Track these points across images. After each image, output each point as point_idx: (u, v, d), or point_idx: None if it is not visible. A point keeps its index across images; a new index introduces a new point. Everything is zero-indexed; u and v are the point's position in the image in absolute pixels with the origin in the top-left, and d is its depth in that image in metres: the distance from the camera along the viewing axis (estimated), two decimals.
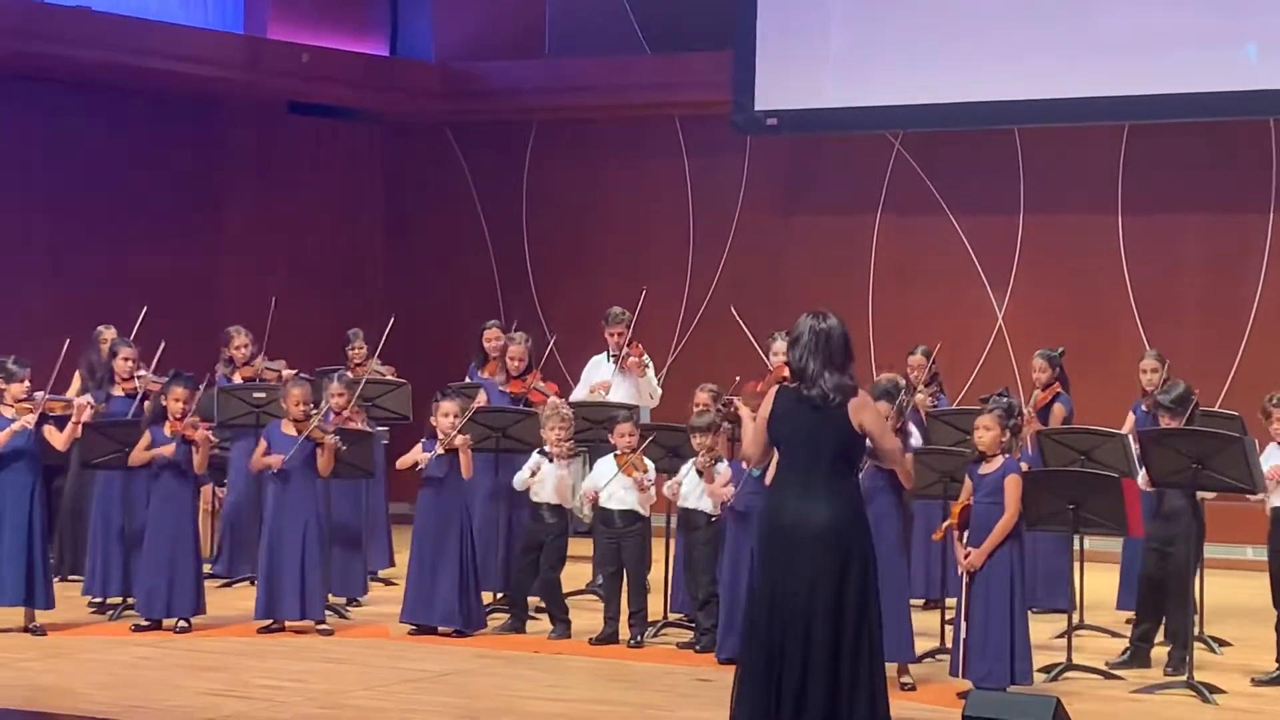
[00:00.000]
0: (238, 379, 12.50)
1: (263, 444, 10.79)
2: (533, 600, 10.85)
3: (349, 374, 12.43)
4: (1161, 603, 9.86)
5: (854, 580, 7.04)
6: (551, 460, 10.59)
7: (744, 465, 9.43)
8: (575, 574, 11.92)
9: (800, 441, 7.11)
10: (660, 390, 12.67)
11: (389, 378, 12.62)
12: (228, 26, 15.70)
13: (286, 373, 12.44)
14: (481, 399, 11.73)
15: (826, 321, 7.17)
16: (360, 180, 16.99)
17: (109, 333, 12.22)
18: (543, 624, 10.74)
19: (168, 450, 10.55)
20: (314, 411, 10.75)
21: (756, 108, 15.10)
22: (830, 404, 7.06)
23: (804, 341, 7.14)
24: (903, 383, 10.20)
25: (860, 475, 9.14)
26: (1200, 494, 9.48)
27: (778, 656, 7.02)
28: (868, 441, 7.21)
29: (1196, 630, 9.98)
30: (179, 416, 10.56)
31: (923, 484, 9.81)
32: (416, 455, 10.65)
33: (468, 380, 12.34)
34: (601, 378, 12.40)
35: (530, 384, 11.89)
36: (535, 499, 10.68)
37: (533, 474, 10.61)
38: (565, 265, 16.40)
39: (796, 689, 6.99)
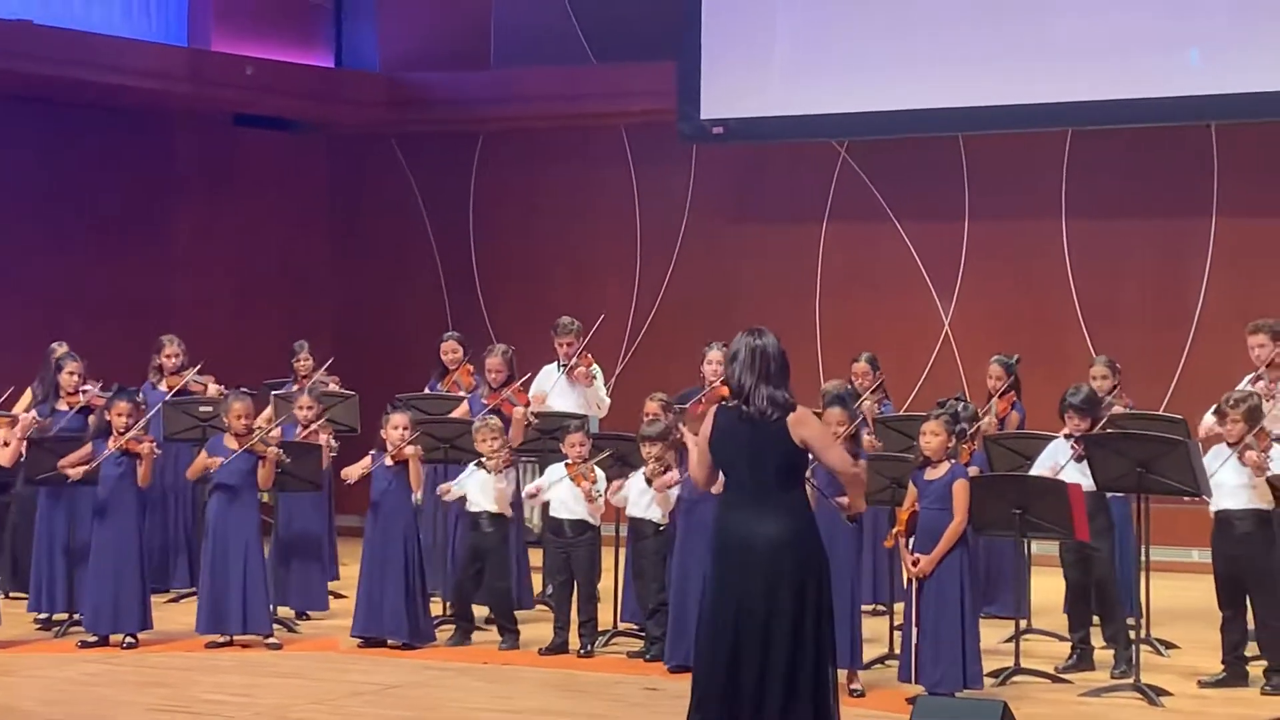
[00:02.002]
0: (163, 388, 12.39)
1: (202, 456, 10.72)
2: (480, 611, 10.82)
3: (295, 386, 12.40)
4: (1089, 606, 9.92)
5: (807, 590, 7.03)
6: (489, 471, 10.56)
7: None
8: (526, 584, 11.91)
9: (743, 459, 7.11)
10: (608, 400, 12.66)
11: (336, 389, 12.57)
12: (171, 39, 15.61)
13: (213, 387, 12.32)
14: (463, 411, 11.67)
15: (762, 338, 7.18)
16: (306, 191, 16.92)
17: (62, 348, 12.10)
18: (491, 635, 10.71)
19: (123, 441, 10.41)
20: (256, 426, 10.70)
21: (702, 116, 15.12)
22: (769, 420, 7.05)
23: (741, 359, 7.14)
24: (850, 386, 10.25)
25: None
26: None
27: (735, 670, 7.00)
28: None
29: (1143, 633, 10.04)
30: (122, 431, 10.49)
31: (871, 490, 9.82)
32: (364, 466, 10.62)
33: (426, 392, 12.30)
34: (542, 390, 12.33)
35: (504, 395, 11.81)
36: (472, 509, 10.65)
37: (458, 491, 10.59)
38: (512, 275, 16.37)
39: (754, 699, 6.98)
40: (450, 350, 12.41)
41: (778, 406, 7.07)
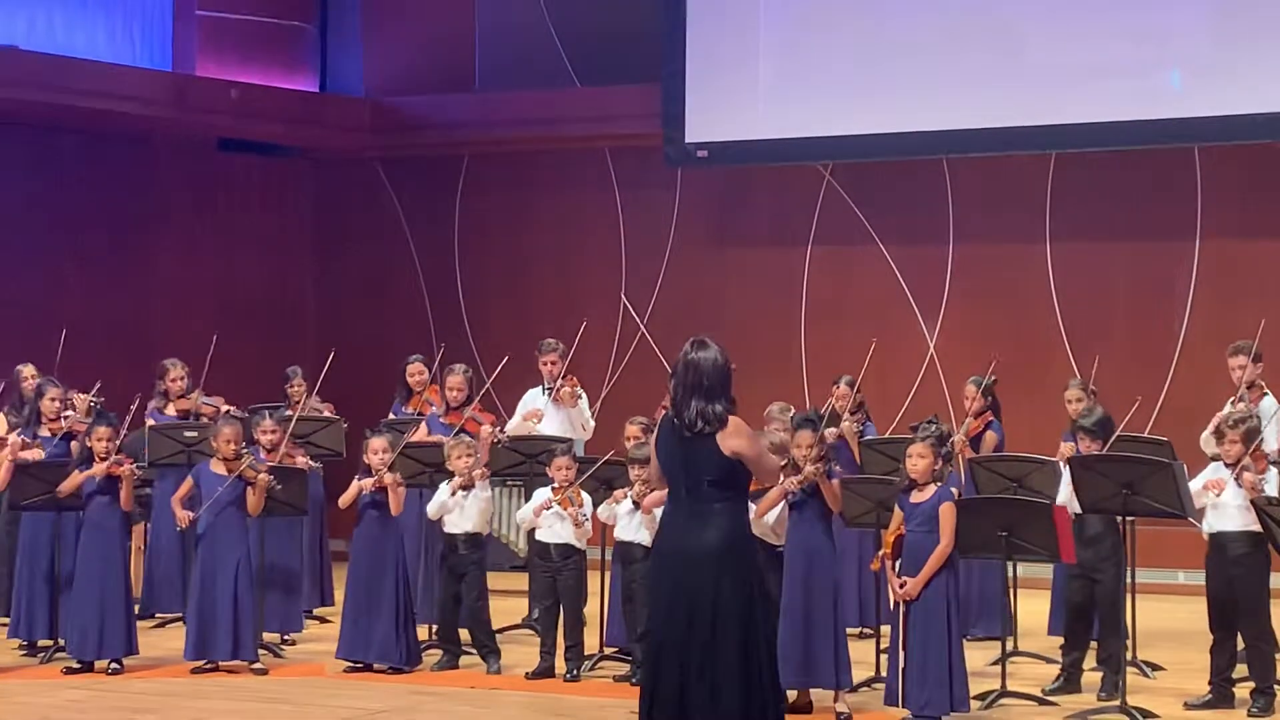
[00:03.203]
0: (171, 412, 12.39)
1: (188, 483, 10.69)
2: (465, 634, 10.79)
3: (288, 411, 12.39)
4: (1089, 628, 9.92)
5: (733, 601, 7.01)
6: (465, 488, 10.53)
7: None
8: (513, 608, 11.89)
9: (678, 470, 7.16)
10: (593, 422, 12.68)
11: (325, 414, 12.56)
12: (156, 64, 15.63)
13: (225, 408, 12.36)
14: (423, 433, 11.69)
15: (699, 351, 7.19)
16: (291, 215, 16.92)
17: (28, 370, 12.07)
18: (470, 658, 10.68)
19: (99, 470, 10.42)
20: (245, 450, 10.67)
21: (687, 140, 15.15)
22: (699, 432, 7.07)
23: (677, 371, 7.19)
24: (818, 411, 10.25)
25: (790, 506, 9.22)
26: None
27: (684, 683, 6.98)
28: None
29: (1129, 655, 10.04)
30: (104, 456, 10.47)
31: (856, 513, 9.84)
32: (354, 491, 10.59)
33: (393, 415, 12.30)
34: (535, 406, 12.42)
35: (468, 414, 11.86)
36: (450, 530, 10.62)
37: (452, 493, 10.56)
38: (498, 298, 16.37)
39: (704, 712, 6.98)
40: (416, 372, 12.54)
41: (706, 420, 7.07)
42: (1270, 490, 9.21)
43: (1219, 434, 9.43)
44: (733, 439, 7.08)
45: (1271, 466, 9.41)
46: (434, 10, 16.80)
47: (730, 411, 7.14)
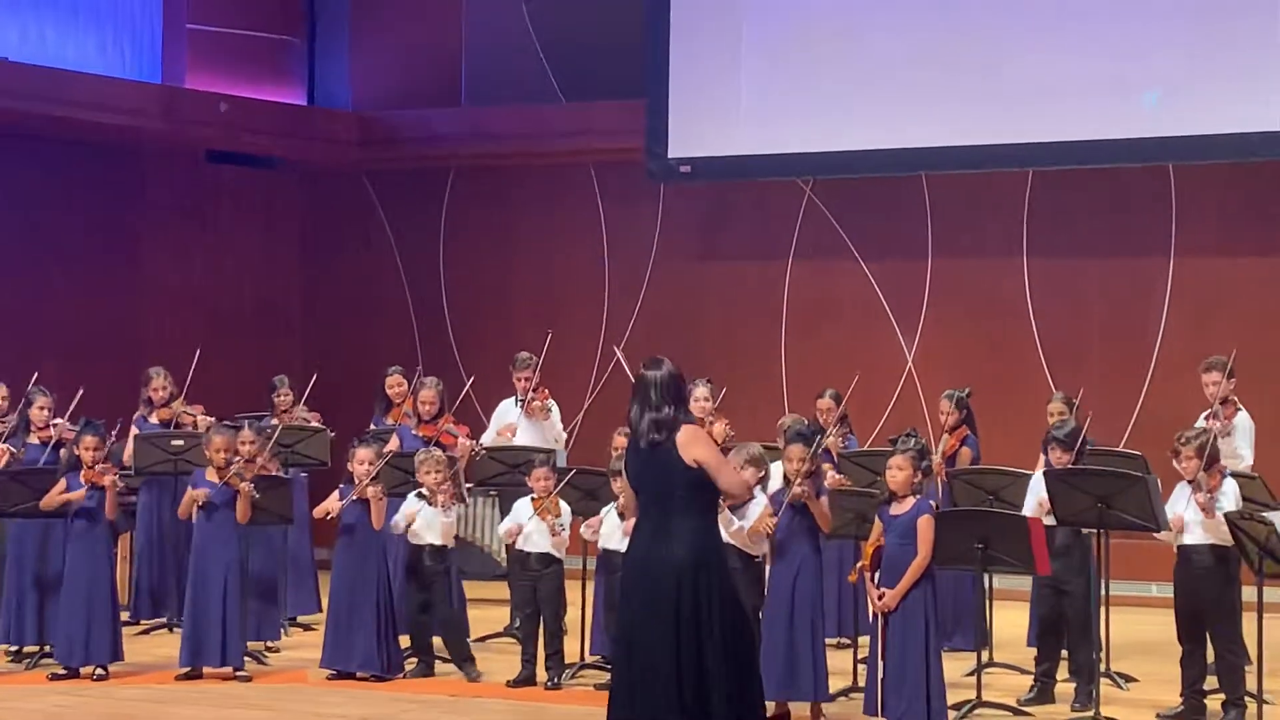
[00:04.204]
0: (154, 420, 12.38)
1: (189, 493, 10.67)
2: (438, 642, 10.77)
3: (275, 421, 12.37)
4: (1060, 640, 9.92)
5: (714, 611, 7.01)
6: (431, 505, 10.51)
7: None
8: (494, 617, 11.86)
9: (643, 485, 7.19)
10: (564, 434, 12.74)
11: (311, 424, 12.54)
12: (146, 76, 15.60)
13: (202, 418, 12.33)
14: (394, 444, 11.68)
15: (650, 369, 7.26)
16: (279, 227, 16.89)
17: None
18: (452, 666, 10.65)
19: (76, 496, 10.42)
20: (235, 459, 10.66)
21: (670, 155, 15.15)
22: (657, 445, 7.06)
23: (634, 393, 7.17)
24: (806, 422, 10.24)
25: (778, 519, 9.21)
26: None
27: (632, 691, 7.00)
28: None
29: (1102, 666, 10.04)
30: (91, 465, 10.44)
31: (835, 524, 9.82)
32: (331, 504, 10.58)
33: (373, 426, 12.29)
34: (508, 422, 12.44)
35: (441, 427, 11.88)
36: (415, 541, 10.60)
37: (408, 525, 10.52)
38: (482, 311, 16.36)
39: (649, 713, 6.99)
40: (395, 384, 12.55)
41: (660, 428, 7.06)
42: (1228, 505, 9.22)
43: (1174, 451, 9.43)
44: (692, 447, 7.08)
45: (1229, 479, 9.41)
46: (421, 25, 16.79)
47: (683, 420, 7.13)
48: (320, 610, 12.26)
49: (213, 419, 12.10)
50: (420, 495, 10.57)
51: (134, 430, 12.25)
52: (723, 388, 12.07)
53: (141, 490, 12.23)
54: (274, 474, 11.14)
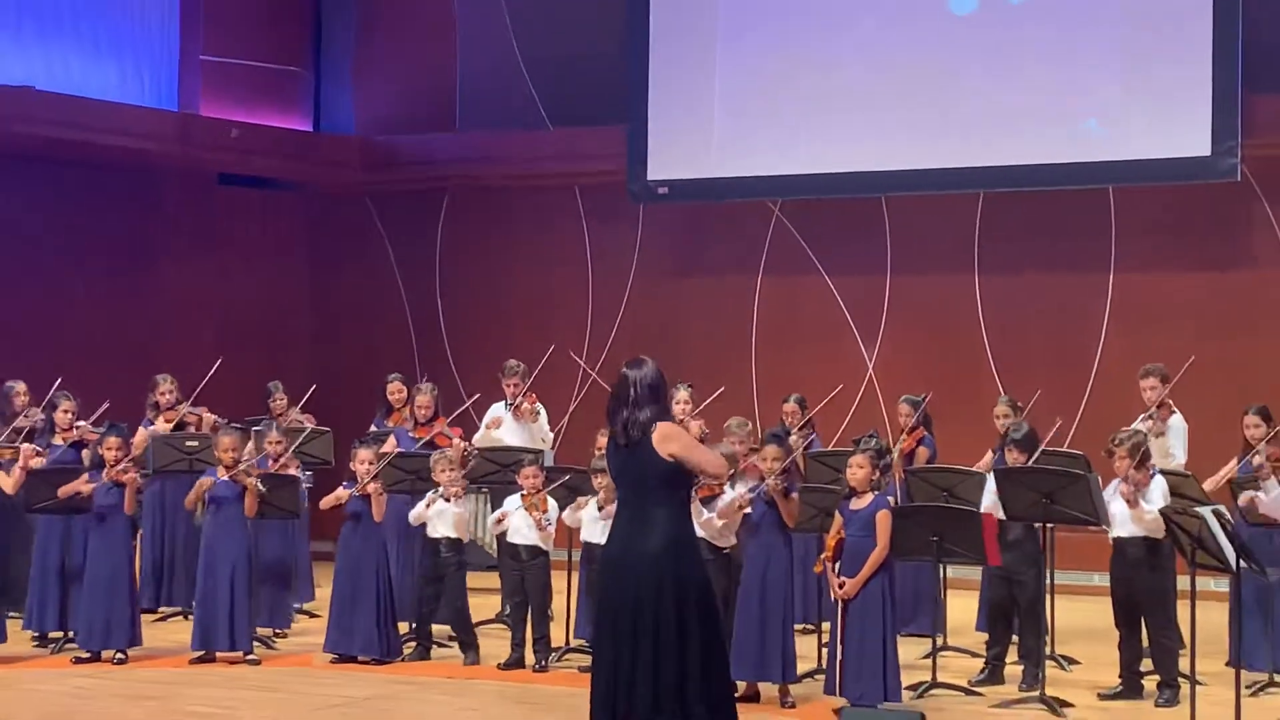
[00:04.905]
0: (161, 422, 12.38)
1: (198, 485, 10.73)
2: (440, 629, 10.80)
3: (275, 423, 12.39)
4: (1010, 626, 9.98)
5: (689, 601, 6.96)
6: (448, 500, 10.57)
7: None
8: (487, 604, 11.89)
9: (622, 479, 7.17)
10: (551, 435, 12.79)
11: (312, 426, 12.56)
12: (162, 104, 15.62)
13: (207, 417, 12.36)
14: (391, 444, 11.71)
15: (631, 369, 7.19)
16: (285, 245, 16.91)
17: (19, 386, 12.00)
18: (450, 650, 10.69)
19: (85, 486, 10.43)
20: (244, 458, 10.71)
21: (649, 177, 15.21)
22: (634, 441, 7.05)
23: (614, 388, 7.18)
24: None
25: (751, 510, 9.27)
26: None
27: (630, 682, 6.96)
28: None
29: (1048, 650, 10.10)
30: (113, 464, 10.48)
31: (801, 518, 9.88)
32: (339, 495, 10.63)
33: (374, 429, 12.33)
34: (495, 417, 12.46)
35: (436, 429, 11.94)
36: (432, 534, 10.64)
37: (428, 505, 10.57)
38: (476, 323, 16.39)
39: (627, 695, 6.96)
40: (396, 390, 12.58)
41: (635, 426, 7.05)
42: (1156, 500, 9.28)
43: (1108, 452, 9.49)
44: (666, 442, 7.04)
45: (1157, 476, 9.48)
46: (419, 57, 16.83)
47: (660, 418, 7.07)
48: (314, 599, 12.30)
49: (216, 419, 12.16)
50: (437, 494, 10.59)
51: (141, 430, 12.23)
52: (707, 393, 12.10)
53: (146, 487, 12.19)
54: (291, 473, 11.18)
